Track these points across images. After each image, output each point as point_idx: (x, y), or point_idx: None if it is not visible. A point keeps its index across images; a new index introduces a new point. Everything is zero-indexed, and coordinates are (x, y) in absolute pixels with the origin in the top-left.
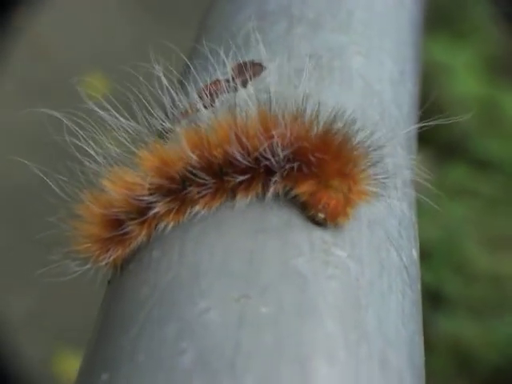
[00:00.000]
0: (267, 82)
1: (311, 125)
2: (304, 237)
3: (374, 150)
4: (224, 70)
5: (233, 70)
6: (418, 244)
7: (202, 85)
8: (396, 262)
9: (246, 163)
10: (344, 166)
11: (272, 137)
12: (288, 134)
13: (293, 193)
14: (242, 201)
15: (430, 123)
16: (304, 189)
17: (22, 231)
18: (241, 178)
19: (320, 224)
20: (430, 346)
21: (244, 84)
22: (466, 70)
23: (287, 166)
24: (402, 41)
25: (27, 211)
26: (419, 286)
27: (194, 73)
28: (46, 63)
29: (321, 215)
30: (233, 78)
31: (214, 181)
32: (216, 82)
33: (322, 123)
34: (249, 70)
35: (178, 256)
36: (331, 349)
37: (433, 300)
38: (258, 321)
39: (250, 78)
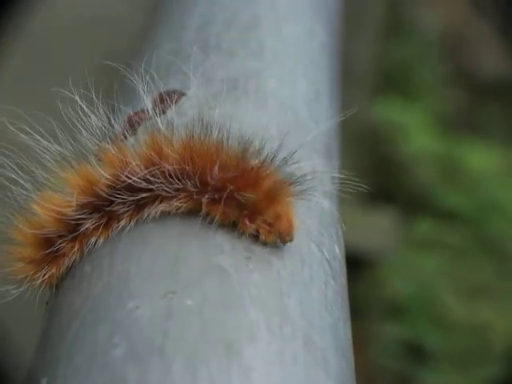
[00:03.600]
0: (186, 107)
1: (223, 151)
2: (225, 237)
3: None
4: (147, 99)
5: (155, 99)
6: (342, 241)
7: (127, 115)
8: (317, 256)
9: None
10: (271, 197)
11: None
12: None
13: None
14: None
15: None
16: (247, 229)
17: None
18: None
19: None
20: None
21: (165, 111)
22: (421, 128)
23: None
24: (316, 65)
25: None
26: (344, 280)
27: (122, 102)
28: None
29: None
30: (154, 107)
31: (132, 199)
32: (139, 112)
33: (236, 150)
34: (169, 98)
35: (107, 268)
36: (254, 332)
37: (416, 355)
38: (184, 312)
39: (171, 105)
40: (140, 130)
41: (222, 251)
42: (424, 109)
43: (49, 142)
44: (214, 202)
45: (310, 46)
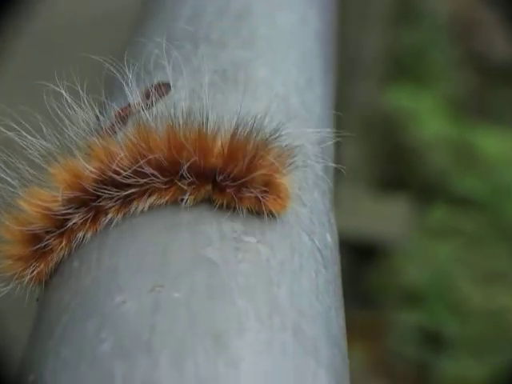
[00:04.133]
0: (175, 99)
1: (215, 138)
2: (214, 228)
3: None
4: (137, 93)
5: (143, 92)
6: (335, 230)
7: (115, 109)
8: (308, 244)
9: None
10: (272, 174)
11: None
12: (193, 151)
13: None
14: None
15: None
16: (246, 205)
17: None
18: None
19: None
20: None
21: (154, 104)
22: (433, 114)
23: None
24: (308, 53)
25: None
26: (337, 268)
27: (111, 97)
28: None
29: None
30: (144, 100)
31: (118, 194)
32: (127, 106)
33: (228, 133)
34: (158, 91)
35: (96, 262)
36: (243, 322)
37: (433, 343)
38: (171, 305)
39: (159, 98)
40: (129, 124)
41: (210, 243)
42: (435, 94)
43: (35, 137)
44: (220, 189)
45: (302, 34)
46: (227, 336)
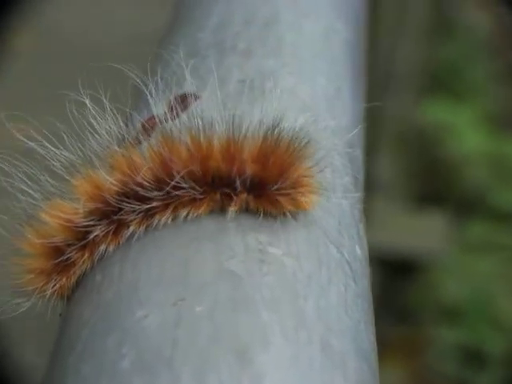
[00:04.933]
0: (200, 110)
1: (243, 146)
2: (238, 240)
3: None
4: (162, 103)
5: (170, 102)
6: (365, 242)
7: (140, 120)
8: (336, 257)
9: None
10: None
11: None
12: (221, 159)
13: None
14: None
15: None
16: (288, 209)
17: None
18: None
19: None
20: None
21: (179, 115)
22: (471, 128)
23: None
24: (337, 61)
25: None
26: (367, 282)
27: (135, 107)
28: None
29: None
30: (169, 110)
31: (140, 208)
32: (152, 118)
33: (255, 139)
34: (184, 101)
35: (118, 276)
36: (268, 337)
37: (474, 360)
38: (193, 319)
39: (185, 108)
40: (153, 135)
41: (234, 255)
42: (474, 108)
43: (57, 148)
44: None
45: (331, 43)
46: (252, 351)
